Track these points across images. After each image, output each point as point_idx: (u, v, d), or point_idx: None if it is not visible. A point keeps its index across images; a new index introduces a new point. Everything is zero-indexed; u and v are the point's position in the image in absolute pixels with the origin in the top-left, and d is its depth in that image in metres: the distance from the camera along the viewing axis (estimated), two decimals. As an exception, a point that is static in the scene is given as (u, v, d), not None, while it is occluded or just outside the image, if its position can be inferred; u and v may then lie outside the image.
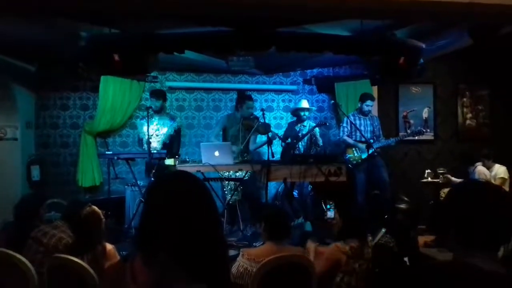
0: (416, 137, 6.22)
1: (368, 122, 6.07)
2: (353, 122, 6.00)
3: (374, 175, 5.96)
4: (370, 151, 5.76)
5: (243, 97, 6.02)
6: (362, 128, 6.01)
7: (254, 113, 5.98)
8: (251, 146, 5.94)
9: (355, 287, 2.77)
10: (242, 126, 5.90)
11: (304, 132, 6.05)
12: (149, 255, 1.21)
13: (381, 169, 5.94)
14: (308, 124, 6.14)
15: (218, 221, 1.34)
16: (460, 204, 1.48)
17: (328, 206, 3.56)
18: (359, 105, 6.14)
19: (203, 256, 1.20)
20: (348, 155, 6.03)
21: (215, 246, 1.24)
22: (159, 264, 1.19)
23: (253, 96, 7.08)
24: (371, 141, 5.89)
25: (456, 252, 1.48)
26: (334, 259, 2.80)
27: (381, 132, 6.18)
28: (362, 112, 6.06)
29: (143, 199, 5.27)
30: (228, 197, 5.64)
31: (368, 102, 6.00)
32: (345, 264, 2.77)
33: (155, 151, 5.54)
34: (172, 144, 5.90)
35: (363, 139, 5.84)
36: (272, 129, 5.92)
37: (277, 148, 6.37)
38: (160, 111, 5.94)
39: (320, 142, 6.11)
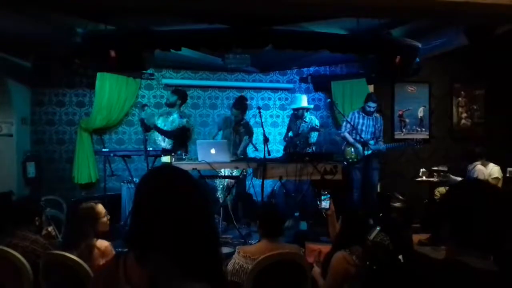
0: (417, 145, 6.20)
1: (371, 123, 6.06)
2: (357, 120, 6.03)
3: (366, 176, 6.00)
4: (366, 153, 5.78)
5: (234, 102, 6.13)
6: (364, 128, 6.03)
7: (246, 114, 6.11)
8: (238, 150, 6.01)
9: None
10: (233, 130, 6.02)
11: (304, 129, 6.10)
12: (142, 253, 1.20)
13: (374, 172, 6.01)
14: (309, 119, 6.18)
15: (209, 216, 1.32)
16: (457, 202, 1.49)
17: (323, 198, 3.55)
18: (362, 104, 6.16)
19: (195, 252, 1.19)
20: (348, 157, 6.04)
21: (207, 242, 1.23)
22: (152, 262, 1.18)
23: (249, 95, 7.18)
24: (372, 142, 5.92)
25: (450, 250, 1.49)
26: (343, 272, 2.76)
27: (381, 134, 6.19)
28: (366, 112, 6.07)
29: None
30: (224, 195, 5.67)
31: (370, 103, 5.99)
32: (354, 274, 2.74)
33: (151, 149, 5.55)
34: (178, 142, 5.88)
35: (362, 139, 5.87)
36: (267, 129, 5.95)
37: (273, 146, 6.39)
38: (172, 106, 5.91)
39: (311, 140, 6.16)
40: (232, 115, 6.06)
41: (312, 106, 6.98)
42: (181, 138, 5.89)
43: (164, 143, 5.86)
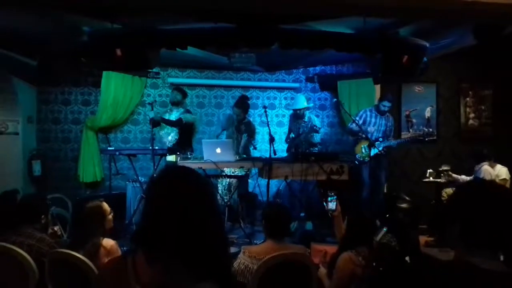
0: (426, 139, 6.15)
1: (383, 122, 6.01)
2: (368, 118, 5.99)
3: (375, 175, 5.96)
4: (373, 151, 5.73)
5: (235, 103, 6.15)
6: (376, 127, 5.98)
7: (252, 110, 6.03)
8: (239, 149, 6.01)
9: None
10: (235, 130, 6.03)
11: (304, 129, 6.08)
12: (152, 252, 1.20)
13: (382, 171, 5.96)
14: (308, 118, 6.15)
15: (219, 217, 1.32)
16: (466, 202, 1.47)
17: (330, 199, 3.52)
18: (376, 102, 6.12)
19: (205, 252, 1.18)
20: (357, 155, 5.99)
21: (217, 242, 1.23)
22: (162, 261, 1.18)
23: (255, 94, 7.17)
24: (380, 139, 5.89)
25: (458, 251, 1.47)
26: (349, 272, 2.73)
27: (392, 133, 6.15)
28: (379, 111, 6.02)
29: (144, 195, 5.28)
30: (229, 195, 5.65)
31: (385, 103, 5.93)
32: (360, 274, 2.72)
33: (157, 147, 5.55)
34: (184, 137, 5.92)
35: (373, 138, 5.83)
36: (272, 128, 5.93)
37: (279, 145, 6.37)
38: (178, 104, 6.05)
39: (315, 140, 6.15)
40: (234, 114, 6.08)
41: (312, 104, 6.98)
42: (187, 131, 5.92)
43: (170, 137, 5.89)
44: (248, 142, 6.00)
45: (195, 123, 6.20)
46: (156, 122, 5.72)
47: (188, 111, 6.11)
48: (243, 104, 6.06)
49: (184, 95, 6.19)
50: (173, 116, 5.99)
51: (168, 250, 1.17)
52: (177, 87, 6.35)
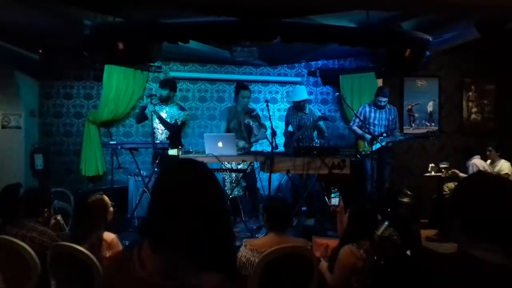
0: (431, 137, 6.15)
1: (383, 116, 6.00)
2: (368, 114, 5.98)
3: (379, 170, 5.95)
4: (376, 146, 5.70)
5: (238, 86, 6.00)
6: (377, 122, 5.97)
7: (254, 104, 5.99)
8: (252, 138, 5.94)
9: (367, 285, 2.74)
10: (242, 121, 5.91)
11: (305, 122, 6.03)
12: (158, 242, 1.21)
13: (386, 166, 5.95)
14: (309, 111, 6.10)
15: (225, 209, 1.34)
16: (468, 195, 1.47)
17: (333, 195, 3.52)
18: (373, 98, 6.10)
19: (210, 243, 1.20)
20: (361, 149, 5.99)
21: (223, 234, 1.25)
22: (167, 251, 1.19)
23: (257, 88, 7.15)
24: (384, 134, 5.87)
25: (461, 244, 1.48)
26: (350, 266, 2.73)
27: (397, 125, 6.13)
28: (377, 106, 6.00)
29: (146, 189, 5.30)
30: (230, 189, 5.65)
31: (381, 98, 5.93)
32: (361, 268, 2.73)
33: (158, 141, 5.55)
34: (175, 135, 5.85)
35: (375, 133, 5.82)
36: (274, 122, 5.89)
37: (281, 139, 6.35)
38: (166, 101, 5.81)
39: (326, 132, 6.14)
40: (244, 98, 5.82)
41: (313, 97, 6.96)
42: (178, 131, 5.88)
43: (161, 135, 5.80)
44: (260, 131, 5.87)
45: (186, 122, 6.10)
46: (145, 115, 5.69)
47: (181, 108, 5.91)
48: (246, 86, 5.99)
49: (172, 88, 5.85)
50: (167, 111, 5.84)
51: (174, 239, 1.19)
52: (163, 81, 6.04)
